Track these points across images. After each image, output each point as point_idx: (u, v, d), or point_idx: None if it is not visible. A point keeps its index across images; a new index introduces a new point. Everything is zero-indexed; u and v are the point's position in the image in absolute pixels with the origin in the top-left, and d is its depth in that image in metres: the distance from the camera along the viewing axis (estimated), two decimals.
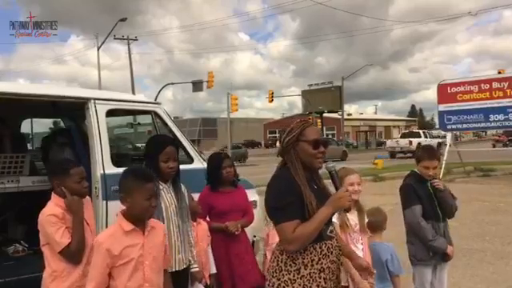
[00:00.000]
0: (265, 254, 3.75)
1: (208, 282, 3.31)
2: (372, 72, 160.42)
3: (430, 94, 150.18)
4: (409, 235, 3.39)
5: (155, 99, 18.00)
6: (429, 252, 3.26)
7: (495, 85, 13.48)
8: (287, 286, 2.01)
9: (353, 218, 3.01)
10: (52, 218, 2.49)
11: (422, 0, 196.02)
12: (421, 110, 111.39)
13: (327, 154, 2.18)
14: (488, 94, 13.54)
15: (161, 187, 2.70)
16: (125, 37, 33.64)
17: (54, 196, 2.61)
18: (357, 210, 3.05)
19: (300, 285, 1.99)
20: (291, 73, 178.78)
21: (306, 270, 2.01)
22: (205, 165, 3.94)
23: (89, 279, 2.19)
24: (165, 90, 46.78)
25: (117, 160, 3.68)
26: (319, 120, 41.38)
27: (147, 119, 5.17)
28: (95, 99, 3.60)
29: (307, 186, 2.02)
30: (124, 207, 2.27)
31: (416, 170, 3.39)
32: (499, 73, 16.43)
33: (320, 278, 2.02)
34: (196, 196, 3.46)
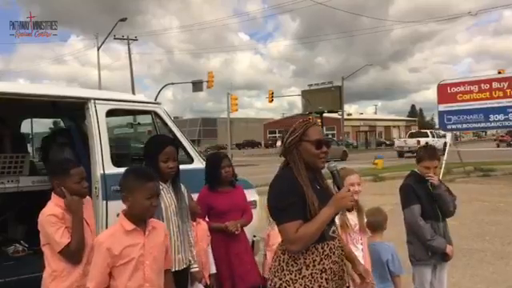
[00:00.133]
0: (265, 255, 3.75)
1: (208, 282, 3.31)
2: (372, 72, 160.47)
3: (430, 94, 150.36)
4: (409, 235, 3.39)
5: (155, 99, 17.99)
6: (428, 252, 3.26)
7: (495, 85, 13.47)
8: (289, 285, 2.01)
9: (352, 218, 3.01)
10: (52, 218, 2.49)
11: (422, 0, 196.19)
12: (421, 109, 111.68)
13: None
14: (488, 93, 13.54)
15: (160, 187, 2.70)
16: (125, 37, 33.66)
17: (53, 196, 2.61)
18: (356, 210, 3.05)
19: (301, 285, 1.99)
20: (291, 73, 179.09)
21: (307, 270, 2.00)
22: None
23: (89, 279, 2.19)
24: (165, 89, 46.81)
25: (117, 160, 3.68)
26: (319, 120, 41.35)
27: (147, 119, 5.16)
28: (95, 99, 3.60)
29: (309, 186, 2.01)
30: (125, 207, 2.27)
31: (416, 170, 3.39)
32: (499, 73, 16.42)
33: (322, 278, 2.01)
34: (195, 196, 3.46)
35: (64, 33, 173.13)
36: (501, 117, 13.42)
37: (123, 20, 30.31)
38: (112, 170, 3.47)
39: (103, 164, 3.46)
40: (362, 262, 2.72)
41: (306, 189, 1.99)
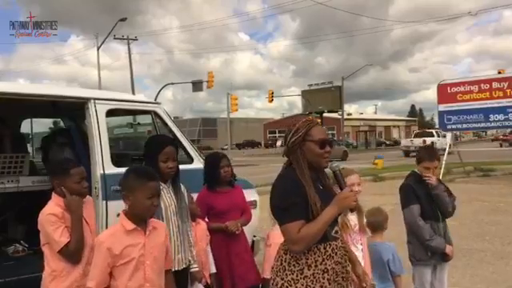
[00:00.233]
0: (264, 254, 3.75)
1: (208, 282, 3.31)
2: (372, 72, 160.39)
3: (430, 94, 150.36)
4: (409, 235, 3.39)
5: (155, 99, 18.00)
6: (427, 252, 3.26)
7: (495, 85, 13.46)
8: (290, 285, 2.00)
9: (352, 218, 3.00)
10: (51, 217, 2.49)
11: (422, 0, 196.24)
12: (421, 109, 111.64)
13: None
14: (488, 93, 13.53)
15: (160, 187, 2.70)
16: (125, 37, 33.65)
17: (54, 195, 2.61)
18: (356, 210, 3.05)
19: (303, 285, 1.99)
20: (291, 73, 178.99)
21: (309, 270, 2.00)
22: None
23: (89, 278, 2.19)
24: (165, 89, 46.84)
25: (117, 160, 3.68)
26: (319, 120, 41.25)
27: (147, 119, 5.16)
28: (95, 99, 3.60)
29: (312, 186, 2.01)
30: (125, 207, 2.27)
31: (416, 170, 3.39)
32: (499, 73, 16.42)
33: (323, 278, 2.00)
34: (194, 196, 3.46)
35: (64, 33, 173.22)
36: (501, 117, 13.41)
37: (123, 20, 30.31)
38: (112, 169, 3.47)
39: (103, 164, 3.46)
40: (362, 262, 2.72)
41: (308, 189, 1.98)
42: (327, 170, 2.17)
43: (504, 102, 13.27)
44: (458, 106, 14.02)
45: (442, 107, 14.38)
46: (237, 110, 34.56)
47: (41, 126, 6.87)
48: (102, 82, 33.78)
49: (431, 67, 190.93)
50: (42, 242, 2.55)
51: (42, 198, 2.80)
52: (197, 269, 2.99)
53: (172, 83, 41.33)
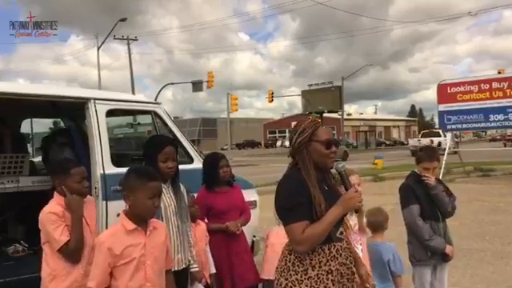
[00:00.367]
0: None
1: (208, 282, 3.31)
2: (372, 72, 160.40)
3: (430, 94, 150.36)
4: (409, 235, 3.39)
5: (155, 99, 17.98)
6: (427, 252, 3.26)
7: (495, 85, 13.46)
8: (294, 286, 2.00)
9: (352, 218, 3.00)
10: (52, 215, 2.50)
11: (422, 0, 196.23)
12: (421, 109, 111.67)
13: None
14: (488, 94, 13.52)
15: None
16: (125, 37, 33.65)
17: (56, 195, 2.62)
18: (359, 210, 3.05)
19: (307, 286, 1.98)
20: (291, 73, 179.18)
21: (313, 271, 1.99)
22: None
23: (90, 278, 2.19)
24: (165, 89, 46.77)
25: (117, 160, 3.68)
26: (319, 120, 41.31)
27: (147, 119, 5.16)
28: (95, 99, 3.59)
29: (317, 186, 2.00)
30: (125, 207, 2.27)
31: (416, 170, 3.39)
32: (499, 73, 16.43)
33: (328, 279, 2.00)
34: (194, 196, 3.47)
35: (64, 33, 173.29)
36: (501, 117, 13.40)
37: (123, 20, 30.29)
38: (112, 170, 3.47)
39: (103, 164, 3.46)
40: None
41: (313, 189, 1.98)
42: (332, 171, 2.17)
43: (504, 102, 13.27)
44: (458, 106, 14.02)
45: (442, 107, 14.37)
46: (237, 110, 34.62)
47: (41, 125, 6.87)
48: (101, 82, 33.79)
49: (431, 67, 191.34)
50: (43, 240, 2.55)
51: (42, 198, 2.80)
52: (197, 269, 2.99)
53: (172, 83, 41.34)
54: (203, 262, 3.27)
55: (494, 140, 54.38)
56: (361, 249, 3.00)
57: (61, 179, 2.60)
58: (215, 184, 3.57)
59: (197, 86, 31.23)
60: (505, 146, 30.93)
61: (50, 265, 2.51)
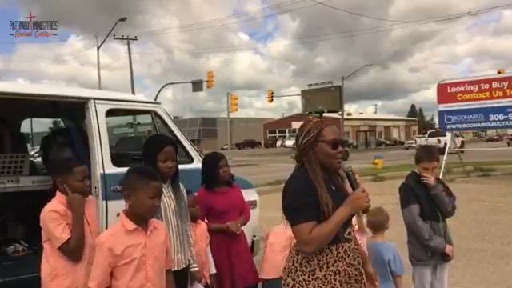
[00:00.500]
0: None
1: (208, 282, 3.31)
2: (372, 72, 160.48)
3: (430, 94, 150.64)
4: (409, 235, 3.39)
5: (155, 99, 18.01)
6: (427, 252, 3.26)
7: (495, 85, 13.46)
8: (302, 286, 1.99)
9: (352, 218, 3.00)
10: (53, 214, 2.50)
11: (422, 0, 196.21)
12: (421, 109, 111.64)
13: None
14: (488, 93, 13.52)
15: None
16: (125, 37, 33.59)
17: (58, 193, 2.63)
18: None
19: (314, 286, 1.97)
20: (291, 73, 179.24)
21: (321, 271, 1.98)
22: None
23: (90, 278, 2.19)
24: (165, 89, 46.84)
25: (117, 160, 3.68)
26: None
27: (147, 119, 5.16)
28: (95, 99, 3.59)
29: (324, 187, 1.99)
30: (125, 207, 2.27)
31: (416, 170, 3.39)
32: (499, 73, 16.39)
33: (335, 280, 1.98)
34: None
35: (64, 33, 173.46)
36: (501, 117, 13.40)
37: (123, 20, 30.25)
38: (112, 169, 3.47)
39: (103, 164, 3.46)
40: None
41: (320, 190, 1.97)
42: (340, 172, 2.15)
43: (504, 102, 13.26)
44: (458, 106, 14.01)
45: (442, 107, 14.37)
46: (237, 110, 34.60)
47: (41, 125, 6.87)
48: (101, 81, 33.73)
49: (431, 67, 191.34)
50: (44, 238, 2.55)
51: (42, 198, 2.80)
52: (196, 269, 2.99)
53: (172, 83, 41.36)
54: (203, 261, 3.26)
55: (491, 140, 54.44)
56: None
57: (63, 178, 2.61)
58: (215, 184, 3.57)
59: (197, 85, 31.21)
60: (508, 145, 31.05)
61: (51, 263, 2.51)
